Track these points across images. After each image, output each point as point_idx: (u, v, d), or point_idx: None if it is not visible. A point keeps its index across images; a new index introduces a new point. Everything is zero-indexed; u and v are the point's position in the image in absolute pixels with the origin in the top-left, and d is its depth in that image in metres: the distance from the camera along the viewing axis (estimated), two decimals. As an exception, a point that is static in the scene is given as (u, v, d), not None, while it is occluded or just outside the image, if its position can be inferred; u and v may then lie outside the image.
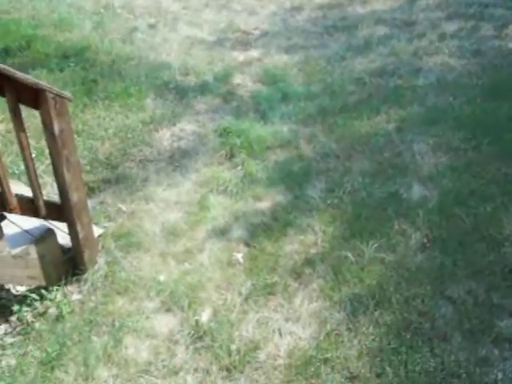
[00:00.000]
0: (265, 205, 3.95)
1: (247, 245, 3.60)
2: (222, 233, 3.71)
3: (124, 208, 3.93)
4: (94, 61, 5.96)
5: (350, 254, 3.42)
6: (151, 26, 6.95)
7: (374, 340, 2.91)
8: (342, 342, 2.91)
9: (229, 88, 5.49)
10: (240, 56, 6.18)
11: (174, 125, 4.89)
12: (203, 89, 5.43)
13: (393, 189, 4.01)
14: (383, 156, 4.39)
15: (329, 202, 3.91)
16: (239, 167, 4.30)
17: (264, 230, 3.70)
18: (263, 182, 4.16)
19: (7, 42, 6.48)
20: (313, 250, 3.53)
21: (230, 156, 4.44)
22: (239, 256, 3.51)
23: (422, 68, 5.74)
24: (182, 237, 3.68)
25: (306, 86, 5.45)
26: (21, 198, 3.03)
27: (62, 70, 5.74)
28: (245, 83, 5.59)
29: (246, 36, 6.68)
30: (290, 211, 3.84)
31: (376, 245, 3.49)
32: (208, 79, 5.60)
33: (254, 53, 6.26)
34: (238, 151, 4.45)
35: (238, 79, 5.66)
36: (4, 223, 3.07)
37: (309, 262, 3.44)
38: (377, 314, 3.05)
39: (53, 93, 2.90)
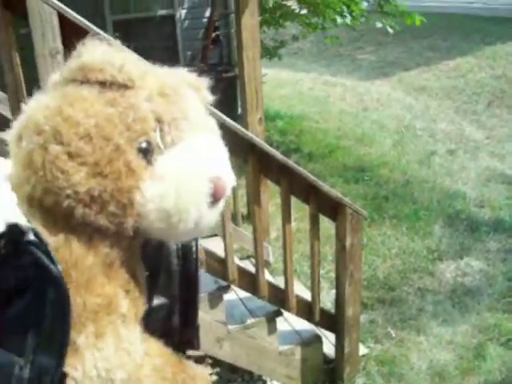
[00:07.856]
0: (554, 371, 3.43)
1: (523, 411, 3.15)
2: (495, 389, 3.32)
3: (393, 333, 3.79)
4: (388, 178, 6.11)
5: None
6: (450, 152, 6.88)
7: None
8: None
9: (527, 229, 5.06)
10: (545, 196, 5.70)
11: (461, 258, 4.64)
12: (498, 225, 5.08)
13: None
14: None
15: None
16: (528, 320, 3.86)
17: (547, 399, 3.21)
18: (554, 343, 3.64)
19: (312, 148, 7.12)
20: None
21: (519, 305, 4.02)
22: (510, 422, 3.08)
23: None
24: (449, 382, 3.37)
25: None
26: (300, 300, 3.15)
27: (356, 182, 6.01)
28: (546, 226, 5.10)
29: (552, 173, 6.18)
30: None
31: None
32: (504, 216, 5.24)
33: (562, 195, 5.71)
34: (529, 301, 4.01)
35: (539, 221, 5.20)
36: (279, 319, 3.22)
37: None
38: None
39: (352, 208, 3.01)
